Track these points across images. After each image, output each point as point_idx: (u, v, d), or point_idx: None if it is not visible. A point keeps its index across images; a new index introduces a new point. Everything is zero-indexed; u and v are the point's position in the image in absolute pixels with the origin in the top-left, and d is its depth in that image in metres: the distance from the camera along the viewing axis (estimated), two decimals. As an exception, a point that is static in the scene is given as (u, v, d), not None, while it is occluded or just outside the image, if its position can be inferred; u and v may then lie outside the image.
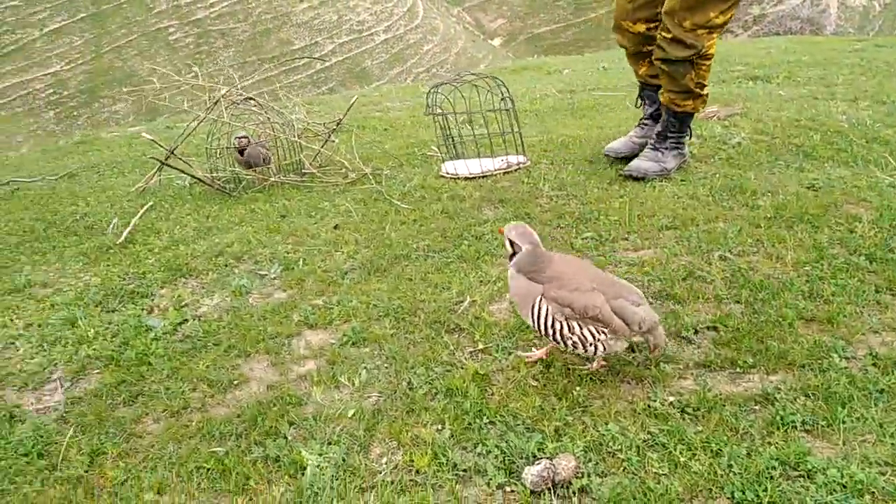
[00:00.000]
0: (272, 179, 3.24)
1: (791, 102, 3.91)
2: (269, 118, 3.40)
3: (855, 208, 2.36)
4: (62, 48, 32.24)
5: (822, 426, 1.38)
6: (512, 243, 1.63)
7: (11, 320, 2.16)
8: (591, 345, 1.52)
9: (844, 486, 1.22)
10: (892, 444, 1.32)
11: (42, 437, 1.57)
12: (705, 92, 2.79)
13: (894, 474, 1.25)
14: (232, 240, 2.57)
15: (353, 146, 3.58)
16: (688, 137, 2.97)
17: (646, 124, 3.08)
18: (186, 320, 2.03)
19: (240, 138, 3.26)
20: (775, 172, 2.76)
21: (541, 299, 1.54)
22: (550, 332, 1.53)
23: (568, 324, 1.51)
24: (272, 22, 33.36)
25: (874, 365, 1.55)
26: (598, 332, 1.51)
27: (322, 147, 3.45)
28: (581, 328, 1.51)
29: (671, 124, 2.85)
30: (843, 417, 1.39)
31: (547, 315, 1.53)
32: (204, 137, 3.79)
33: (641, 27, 2.82)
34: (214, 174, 3.28)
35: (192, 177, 3.29)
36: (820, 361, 1.57)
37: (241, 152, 3.24)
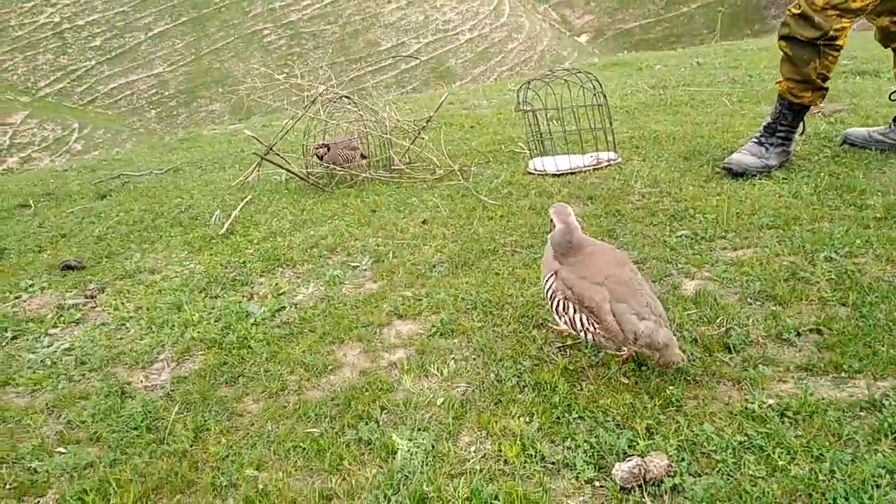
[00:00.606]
0: (363, 175, 3.33)
1: (905, 97, 3.66)
2: (362, 115, 3.50)
3: (978, 209, 2.19)
4: (165, 50, 34.20)
5: (938, 437, 1.30)
6: (551, 220, 1.72)
7: (123, 303, 2.33)
8: (581, 330, 1.59)
9: (962, 501, 1.15)
10: None
11: (150, 412, 1.69)
12: (826, 85, 2.65)
13: None
14: (325, 232, 2.66)
15: (441, 143, 3.63)
16: (799, 133, 2.84)
17: None
18: (284, 307, 2.13)
19: (318, 147, 3.35)
20: (886, 171, 2.60)
21: (553, 275, 1.64)
22: (551, 302, 1.65)
23: (565, 303, 1.60)
24: (361, 23, 34.16)
25: None
26: (588, 323, 1.57)
27: (411, 144, 3.52)
28: (575, 312, 1.58)
29: (784, 116, 2.72)
30: (962, 429, 1.30)
31: (552, 288, 1.64)
32: (299, 135, 3.95)
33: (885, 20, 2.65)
34: (309, 170, 3.41)
35: (289, 172, 3.43)
36: (936, 369, 1.48)
37: (321, 158, 3.35)
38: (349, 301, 2.10)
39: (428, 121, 3.69)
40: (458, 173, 3.20)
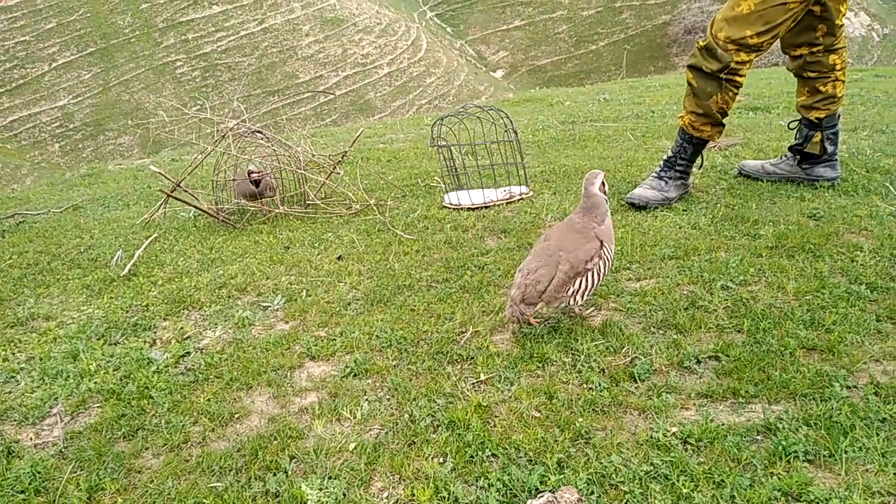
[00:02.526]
0: (277, 211, 3.27)
1: (792, 133, 3.94)
2: (275, 150, 3.44)
3: (856, 237, 2.37)
4: (70, 82, 32.75)
5: (825, 456, 1.37)
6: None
7: (13, 354, 2.17)
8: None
9: (849, 519, 1.21)
10: (895, 473, 1.31)
11: (40, 473, 1.57)
12: (725, 121, 2.81)
13: (899, 506, 1.24)
14: (235, 271, 2.58)
15: (357, 177, 3.62)
16: (697, 167, 2.99)
17: (786, 156, 3.06)
18: (189, 353, 2.04)
19: (258, 172, 3.29)
20: (777, 202, 2.77)
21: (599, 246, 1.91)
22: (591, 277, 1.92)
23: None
24: (278, 55, 33.87)
25: (875, 394, 1.54)
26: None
27: (327, 178, 3.49)
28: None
29: (684, 150, 2.86)
30: (845, 447, 1.37)
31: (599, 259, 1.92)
32: (209, 170, 3.84)
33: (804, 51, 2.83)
34: (219, 206, 3.31)
35: (197, 209, 3.33)
36: (822, 391, 1.56)
37: (258, 184, 3.27)
38: (259, 344, 2.04)
39: (343, 155, 3.68)
40: (375, 208, 3.19)
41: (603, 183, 1.96)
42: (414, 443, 1.53)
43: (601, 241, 1.89)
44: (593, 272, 1.88)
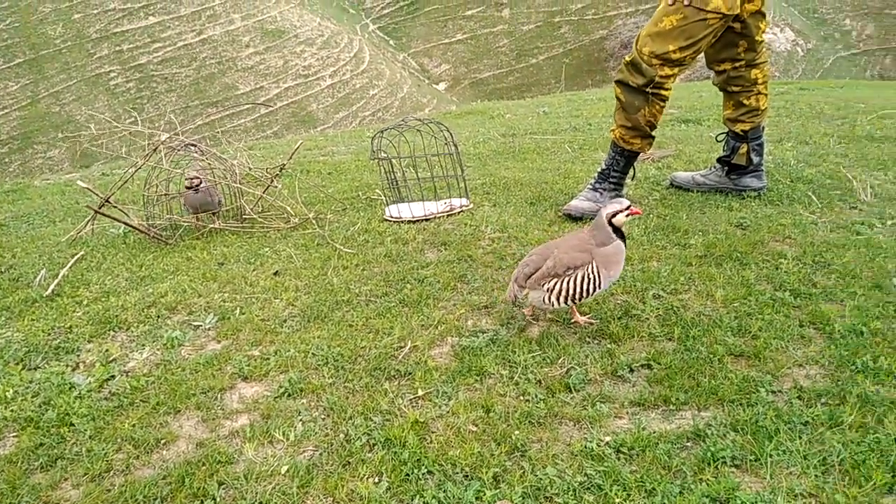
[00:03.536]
0: (211, 226, 3.19)
1: (720, 145, 4.08)
2: (209, 164, 3.36)
3: (780, 245, 2.46)
4: (-4, 94, 31.39)
5: (751, 460, 1.40)
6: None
7: (-76, 382, 2.04)
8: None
9: (773, 521, 1.24)
10: (816, 475, 1.35)
11: (-50, 508, 1.47)
12: (654, 134, 2.89)
13: (820, 507, 1.28)
14: (165, 290, 2.50)
15: (296, 191, 3.56)
16: (630, 178, 3.06)
17: (715, 167, 3.15)
18: (113, 376, 1.95)
19: (193, 178, 3.20)
20: (706, 212, 2.86)
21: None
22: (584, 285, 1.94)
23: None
24: (217, 67, 33.25)
25: (799, 398, 1.60)
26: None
27: (264, 192, 3.42)
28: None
29: (616, 162, 2.92)
30: (770, 451, 1.42)
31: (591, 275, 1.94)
32: (141, 185, 3.72)
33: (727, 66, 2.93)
34: (151, 222, 3.21)
35: (127, 225, 3.21)
36: (748, 396, 1.61)
37: (196, 190, 3.17)
38: (188, 365, 1.97)
39: (281, 168, 3.61)
40: (314, 221, 3.15)
41: (616, 214, 1.92)
42: (349, 463, 1.50)
43: (592, 259, 1.90)
44: (571, 280, 1.89)
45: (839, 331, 1.86)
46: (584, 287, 1.90)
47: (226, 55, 33.84)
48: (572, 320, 2.03)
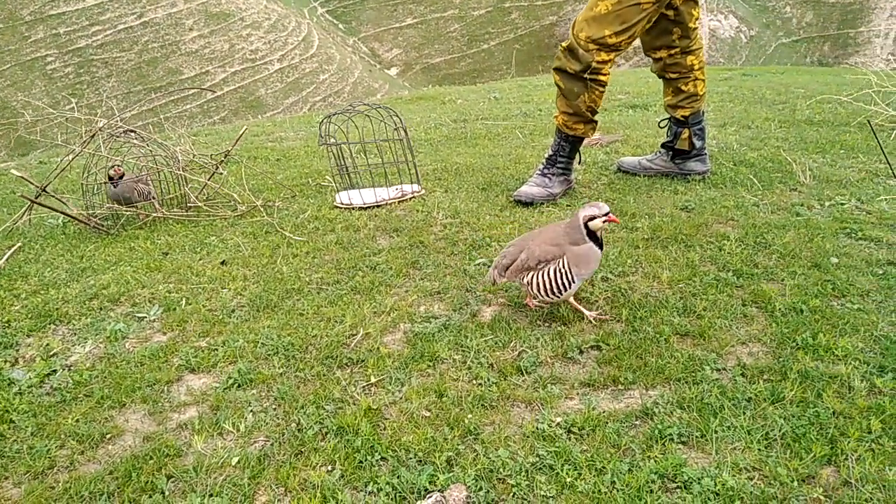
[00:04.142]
0: (154, 215, 3.09)
1: (664, 130, 4.16)
2: (150, 151, 3.26)
3: (723, 227, 2.53)
4: (-77, 78, 29.82)
5: (697, 437, 1.44)
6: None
7: None
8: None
9: (717, 494, 1.28)
10: (759, 449, 1.40)
11: None
12: (595, 118, 2.92)
13: (761, 479, 1.33)
14: (108, 281, 2.42)
15: (243, 178, 3.49)
16: (577, 163, 3.09)
17: (660, 151, 3.22)
18: (55, 371, 1.89)
19: (115, 166, 3.10)
20: (652, 196, 2.92)
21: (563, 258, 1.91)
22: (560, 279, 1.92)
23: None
24: (160, 51, 32.22)
25: (742, 375, 1.65)
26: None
27: (209, 179, 3.34)
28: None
29: (562, 148, 2.95)
30: (716, 427, 1.46)
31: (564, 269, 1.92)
32: (80, 172, 3.58)
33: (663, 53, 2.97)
34: (91, 212, 3.10)
35: (66, 215, 3.09)
36: (694, 374, 1.65)
37: (115, 183, 3.07)
38: (133, 358, 1.91)
39: (226, 155, 3.53)
40: (262, 209, 3.09)
41: (594, 218, 1.88)
42: (301, 452, 1.49)
43: (564, 255, 1.87)
44: (541, 275, 1.88)
45: (780, 309, 1.92)
46: (558, 281, 1.87)
47: (169, 39, 32.83)
48: (524, 303, 2.05)
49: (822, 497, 1.27)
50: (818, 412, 1.49)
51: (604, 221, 1.89)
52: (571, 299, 1.97)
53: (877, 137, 3.37)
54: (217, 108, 30.70)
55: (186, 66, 31.78)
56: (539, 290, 1.91)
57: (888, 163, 3.14)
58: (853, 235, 2.40)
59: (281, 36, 34.08)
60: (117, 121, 3.41)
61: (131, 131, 3.30)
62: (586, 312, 1.96)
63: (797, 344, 1.75)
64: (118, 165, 3.13)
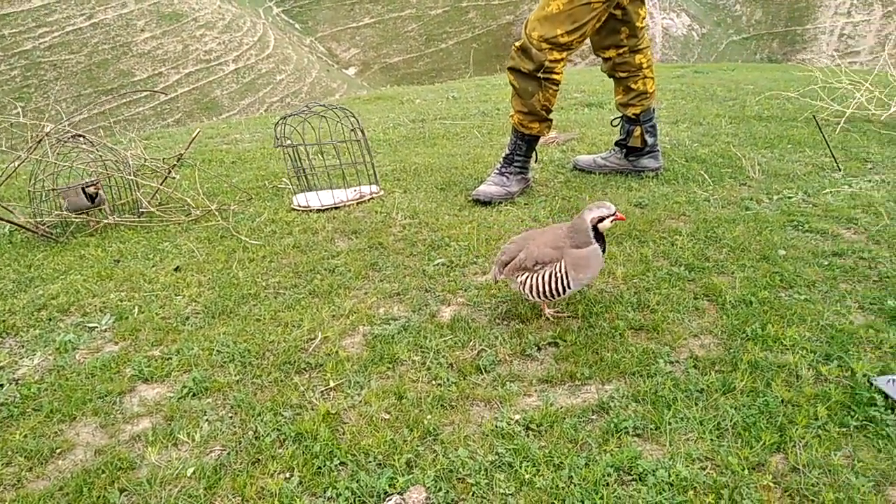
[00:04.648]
0: (105, 221, 3.02)
1: (617, 128, 4.22)
2: (100, 156, 3.17)
3: (676, 222, 2.58)
4: None
5: (651, 429, 1.47)
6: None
7: None
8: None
9: (671, 485, 1.31)
10: (711, 439, 1.43)
11: None
12: (551, 117, 2.95)
13: (713, 468, 1.36)
14: (57, 290, 2.35)
15: (196, 182, 3.42)
16: (534, 162, 3.12)
17: (614, 149, 3.25)
18: (2, 385, 1.82)
19: (94, 183, 3.03)
20: (607, 193, 2.96)
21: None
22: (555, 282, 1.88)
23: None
24: (110, 52, 31.42)
25: (695, 367, 1.69)
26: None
27: (161, 184, 3.27)
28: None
29: (519, 147, 2.97)
30: (669, 419, 1.49)
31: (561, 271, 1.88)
32: (27, 179, 3.47)
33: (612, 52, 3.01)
34: (39, 219, 3.00)
35: (12, 223, 2.99)
36: (648, 368, 1.68)
37: (93, 197, 3.01)
38: (84, 369, 1.86)
39: (179, 158, 3.46)
40: (217, 213, 3.04)
41: (602, 220, 1.85)
42: (258, 460, 1.47)
43: (562, 258, 1.84)
44: (538, 277, 1.84)
45: (730, 301, 1.97)
46: (553, 285, 1.83)
47: (120, 40, 32.04)
48: (545, 314, 1.98)
49: (771, 484, 1.31)
50: (767, 401, 1.53)
51: (612, 221, 1.86)
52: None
53: (822, 132, 3.48)
54: (171, 110, 30.06)
55: (138, 67, 31.03)
56: (532, 292, 1.87)
57: (833, 157, 3.24)
58: (800, 228, 2.47)
59: (236, 36, 33.54)
60: (65, 125, 3.32)
61: (79, 136, 3.21)
62: (547, 310, 1.97)
63: (747, 335, 1.80)
64: (96, 182, 3.05)
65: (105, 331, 2.08)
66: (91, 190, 3.03)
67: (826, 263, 2.19)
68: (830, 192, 2.82)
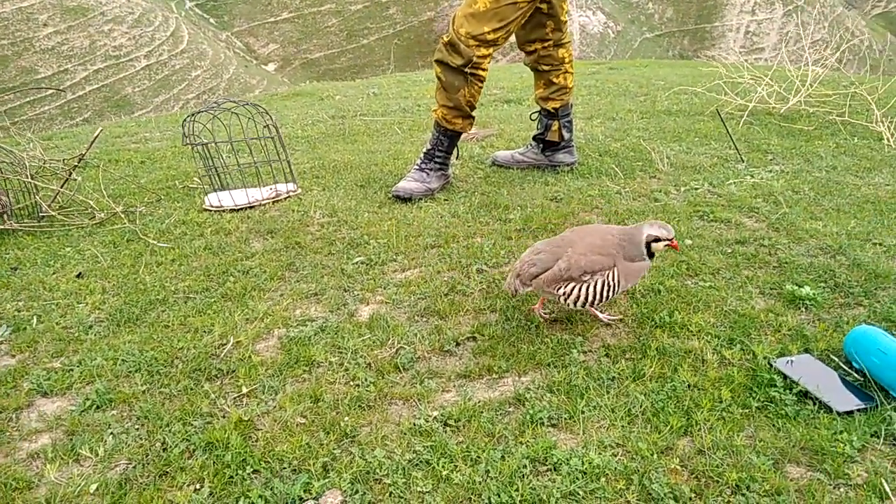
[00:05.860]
0: (1, 227, 2.83)
1: (535, 123, 4.29)
2: (-8, 158, 2.97)
3: (589, 215, 2.64)
4: None
5: (566, 418, 1.50)
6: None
7: None
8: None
9: (584, 473, 1.33)
10: (622, 426, 1.47)
11: None
12: (474, 114, 2.96)
13: (624, 454, 1.40)
14: (-56, 303, 2.18)
15: (100, 183, 3.26)
16: (455, 158, 3.13)
17: (531, 144, 3.28)
18: None
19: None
20: (525, 188, 3.00)
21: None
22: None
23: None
24: (10, 49, 29.53)
25: (606, 355, 1.73)
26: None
27: (62, 186, 3.09)
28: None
29: (441, 142, 2.97)
30: (583, 408, 1.52)
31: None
32: None
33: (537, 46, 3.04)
34: (-78, 227, 2.78)
35: None
36: (562, 358, 1.72)
37: None
38: (-27, 386, 1.74)
39: (80, 159, 3.28)
40: (122, 216, 2.90)
41: (658, 240, 1.79)
42: (166, 473, 1.41)
43: (615, 267, 1.76)
44: (585, 287, 1.76)
45: (639, 290, 2.03)
46: (604, 293, 1.76)
47: (20, 35, 30.16)
48: (595, 317, 1.92)
49: (678, 467, 1.36)
50: (675, 386, 1.59)
51: (665, 246, 1.82)
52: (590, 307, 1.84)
53: (725, 125, 3.65)
54: (79, 108, 28.52)
55: (42, 64, 29.27)
56: (573, 302, 1.77)
57: (736, 148, 3.40)
58: (705, 218, 2.58)
59: (147, 31, 32.14)
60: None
61: (-33, 136, 2.99)
62: (601, 316, 1.89)
63: (655, 322, 1.86)
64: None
65: (1, 343, 1.95)
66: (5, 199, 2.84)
67: (729, 251, 2.29)
68: (734, 182, 2.96)
